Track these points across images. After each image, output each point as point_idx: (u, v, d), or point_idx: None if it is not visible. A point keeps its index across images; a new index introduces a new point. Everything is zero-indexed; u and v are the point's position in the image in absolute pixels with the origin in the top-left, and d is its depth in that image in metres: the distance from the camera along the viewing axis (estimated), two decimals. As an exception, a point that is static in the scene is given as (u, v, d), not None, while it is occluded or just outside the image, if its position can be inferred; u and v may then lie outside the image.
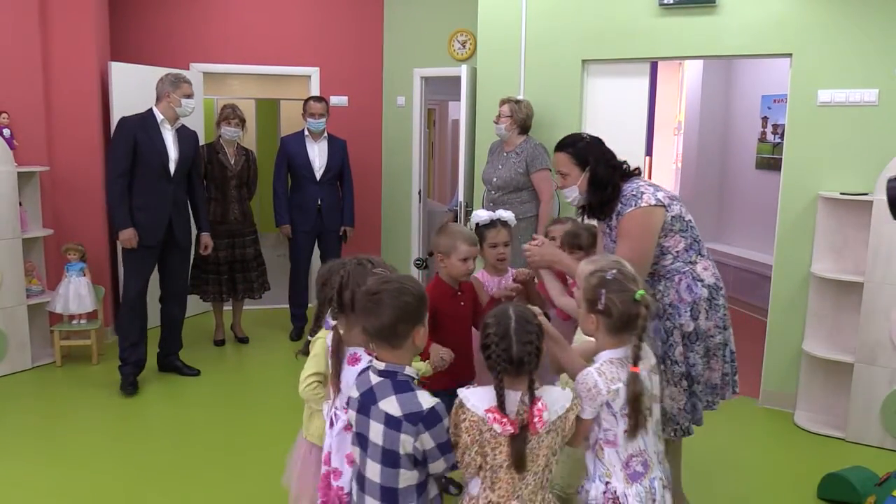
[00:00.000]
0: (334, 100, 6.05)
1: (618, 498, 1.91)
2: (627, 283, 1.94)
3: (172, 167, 4.19)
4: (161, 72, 4.32)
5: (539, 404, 1.76)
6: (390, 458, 1.79)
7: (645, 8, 4.24)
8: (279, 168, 5.23)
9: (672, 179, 7.66)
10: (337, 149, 5.27)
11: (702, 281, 2.58)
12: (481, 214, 2.97)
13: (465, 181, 4.93)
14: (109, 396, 4.18)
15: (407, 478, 1.80)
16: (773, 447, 3.72)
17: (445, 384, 2.35)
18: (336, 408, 2.10)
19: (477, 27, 4.84)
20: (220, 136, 5.00)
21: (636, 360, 1.91)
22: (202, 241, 4.61)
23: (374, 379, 1.85)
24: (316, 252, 5.42)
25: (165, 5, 5.74)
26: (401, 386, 1.82)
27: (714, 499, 3.14)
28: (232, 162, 5.01)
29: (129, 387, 4.20)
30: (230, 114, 4.95)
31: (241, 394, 4.35)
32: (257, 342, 5.28)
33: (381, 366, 1.85)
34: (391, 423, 1.78)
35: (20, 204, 4.56)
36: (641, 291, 1.92)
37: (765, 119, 6.45)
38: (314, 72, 6.10)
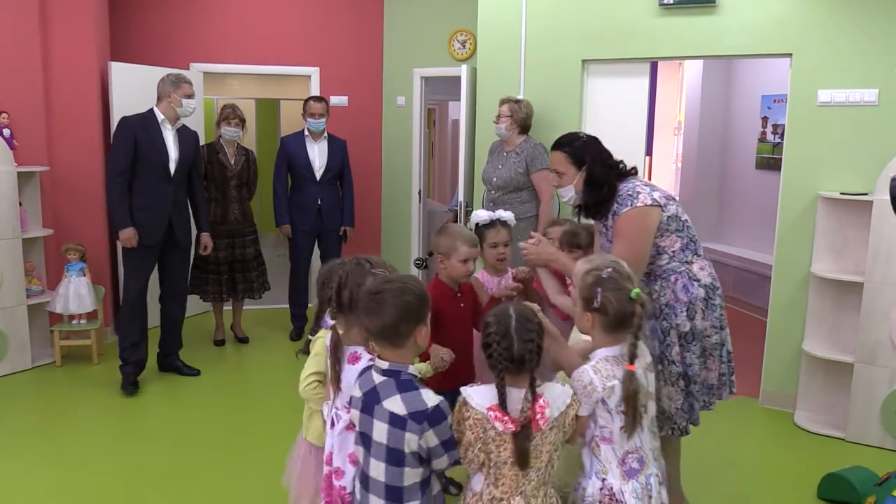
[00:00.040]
0: (334, 100, 6.05)
1: (614, 494, 1.92)
2: (623, 282, 1.96)
3: (173, 167, 4.20)
4: (161, 72, 4.32)
5: (541, 401, 1.78)
6: (395, 457, 1.80)
7: (645, 8, 4.24)
8: (279, 168, 5.24)
9: (672, 179, 7.65)
10: (337, 149, 5.27)
11: (698, 281, 2.57)
12: (481, 214, 2.97)
13: (465, 181, 4.93)
14: (109, 396, 4.18)
15: (411, 475, 1.81)
16: (773, 447, 3.72)
17: (446, 385, 2.34)
18: (337, 408, 2.10)
19: (477, 27, 4.84)
20: (220, 136, 5.00)
21: (632, 357, 1.92)
22: (202, 241, 4.61)
23: (378, 378, 1.86)
24: (316, 252, 5.42)
25: (165, 5, 5.74)
26: (405, 385, 1.82)
27: (714, 499, 3.14)
28: (232, 162, 5.01)
29: (131, 386, 4.21)
30: (230, 114, 4.95)
31: (241, 394, 4.35)
32: (257, 342, 5.28)
33: (384, 365, 1.85)
34: (396, 421, 1.78)
35: (20, 204, 4.56)
36: (637, 290, 1.94)
37: (765, 119, 6.45)
38: (314, 72, 6.10)
